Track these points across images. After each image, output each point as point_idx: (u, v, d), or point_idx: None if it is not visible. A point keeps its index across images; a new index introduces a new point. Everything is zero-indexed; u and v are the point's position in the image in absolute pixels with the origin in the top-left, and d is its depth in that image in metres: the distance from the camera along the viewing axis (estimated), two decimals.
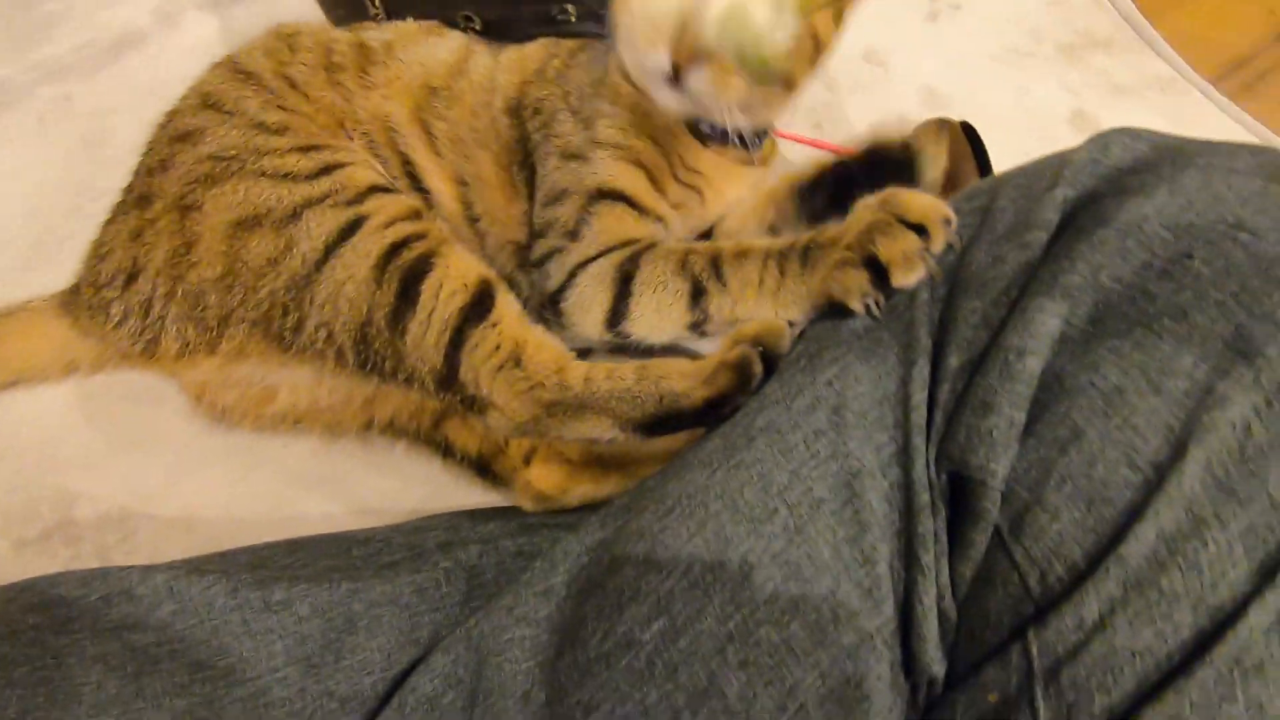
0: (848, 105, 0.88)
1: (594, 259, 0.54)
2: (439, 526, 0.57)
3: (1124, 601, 0.27)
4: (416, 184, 0.62)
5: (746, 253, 0.49)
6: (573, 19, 0.74)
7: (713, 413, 0.45)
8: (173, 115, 0.62)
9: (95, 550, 0.64)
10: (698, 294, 0.51)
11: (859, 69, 0.90)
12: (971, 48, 0.92)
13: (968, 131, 0.64)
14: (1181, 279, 0.30)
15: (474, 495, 0.65)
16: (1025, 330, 0.31)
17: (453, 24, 0.70)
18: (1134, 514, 0.28)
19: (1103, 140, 0.36)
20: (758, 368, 0.43)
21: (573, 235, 0.56)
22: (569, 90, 0.60)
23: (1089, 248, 0.31)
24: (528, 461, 0.57)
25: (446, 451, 0.62)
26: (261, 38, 0.65)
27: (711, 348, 0.50)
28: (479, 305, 0.51)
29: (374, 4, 0.76)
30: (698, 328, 0.52)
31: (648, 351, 0.55)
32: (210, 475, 0.66)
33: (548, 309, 0.56)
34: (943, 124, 0.63)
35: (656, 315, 0.52)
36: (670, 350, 0.56)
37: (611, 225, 0.55)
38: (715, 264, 0.50)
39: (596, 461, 0.56)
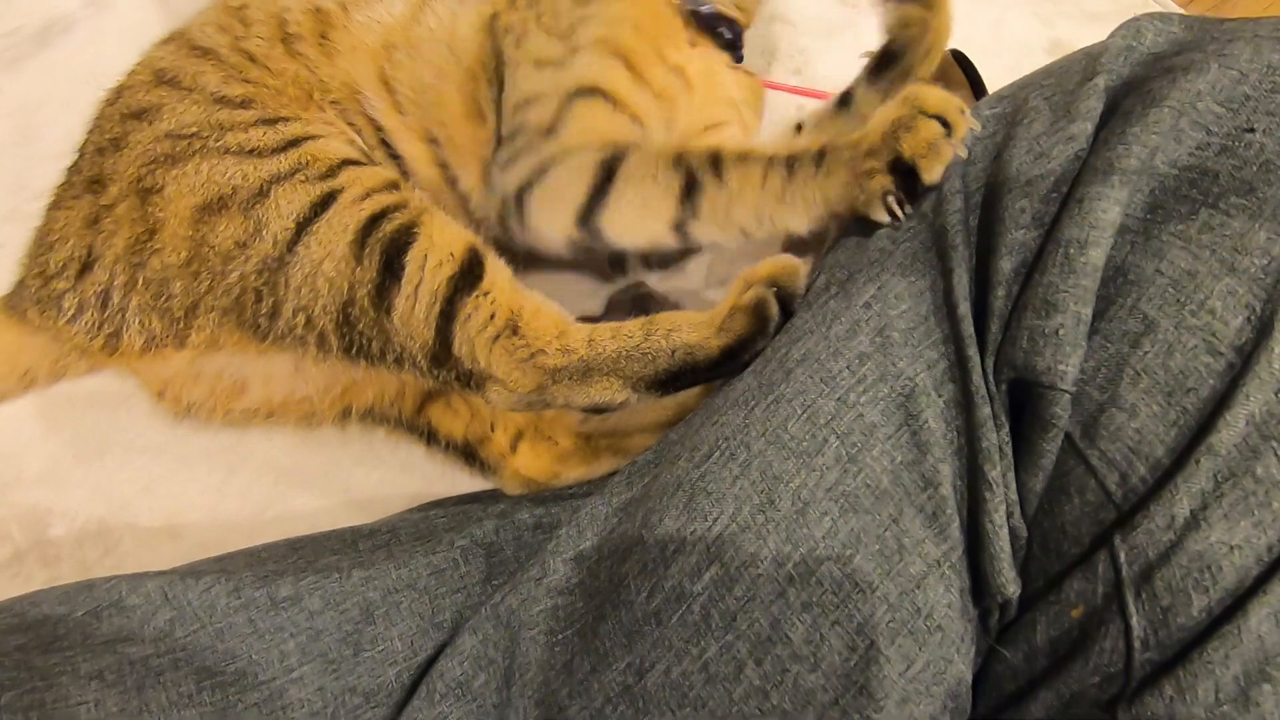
0: (824, 49, 0.86)
1: (572, 152, 0.51)
2: (448, 513, 0.54)
3: (1217, 495, 0.26)
4: (391, 151, 0.58)
5: (750, 154, 0.46)
6: None
7: (731, 362, 0.42)
8: (122, 91, 0.57)
9: (76, 569, 0.60)
10: (690, 188, 0.47)
11: (832, 11, 0.88)
12: None
13: (960, 59, 0.62)
14: (1244, 154, 0.28)
15: (473, 481, 0.62)
16: (1084, 220, 0.29)
17: None
18: (1220, 402, 0.26)
19: (1134, 26, 0.34)
20: (774, 308, 0.40)
21: (549, 132, 0.52)
22: (541, 11, 0.57)
23: (1142, 129, 0.29)
24: (514, 448, 0.54)
25: (430, 438, 0.59)
26: (209, 12, 0.60)
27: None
28: (469, 274, 0.48)
29: None
30: (681, 228, 0.48)
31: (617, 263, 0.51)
32: (191, 477, 0.62)
33: (509, 208, 0.52)
34: None
35: (639, 210, 0.48)
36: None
37: (592, 124, 0.52)
38: (714, 161, 0.47)
39: (586, 442, 0.53)
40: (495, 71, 0.57)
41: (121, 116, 0.54)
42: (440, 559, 0.45)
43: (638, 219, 0.49)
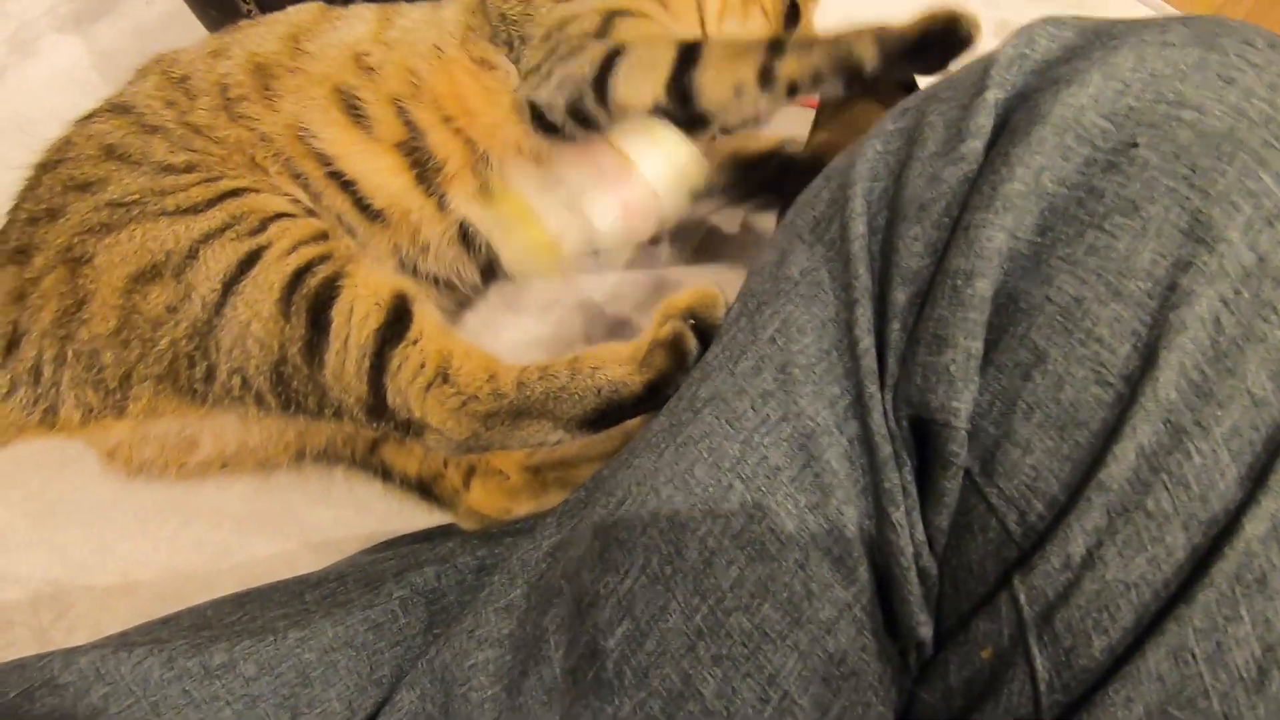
0: None
1: (640, 41, 0.51)
2: (396, 554, 0.54)
3: (1111, 531, 0.25)
4: (343, 180, 0.57)
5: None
6: None
7: (656, 396, 0.42)
8: (63, 160, 0.56)
9: (31, 633, 0.60)
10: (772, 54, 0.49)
11: None
12: None
13: None
14: (1129, 170, 0.27)
15: (431, 515, 0.61)
16: (970, 251, 0.28)
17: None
18: (1110, 434, 0.25)
19: (1027, 33, 0.33)
20: (691, 342, 0.40)
21: (599, 36, 0.52)
22: None
23: (1026, 150, 0.28)
24: (467, 484, 0.54)
25: (385, 476, 0.59)
26: (152, 83, 0.59)
27: None
28: (396, 323, 0.48)
29: (245, 2, 0.71)
30: (766, 77, 0.49)
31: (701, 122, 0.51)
32: (145, 532, 0.62)
33: (588, 95, 0.51)
34: None
35: (729, 68, 0.49)
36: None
37: (639, 31, 0.53)
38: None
39: (535, 476, 0.53)
40: (496, 29, 0.57)
41: (64, 188, 0.53)
42: (378, 612, 0.45)
43: (723, 80, 0.49)
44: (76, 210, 0.51)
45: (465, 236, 0.59)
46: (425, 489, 0.59)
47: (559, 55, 0.53)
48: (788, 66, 0.48)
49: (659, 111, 0.51)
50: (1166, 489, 0.24)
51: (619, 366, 0.44)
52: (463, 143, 0.56)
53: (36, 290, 0.50)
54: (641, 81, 0.50)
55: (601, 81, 0.50)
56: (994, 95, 0.31)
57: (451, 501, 0.58)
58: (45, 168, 0.57)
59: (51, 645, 0.61)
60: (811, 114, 0.66)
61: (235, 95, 0.55)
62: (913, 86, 0.62)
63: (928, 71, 0.51)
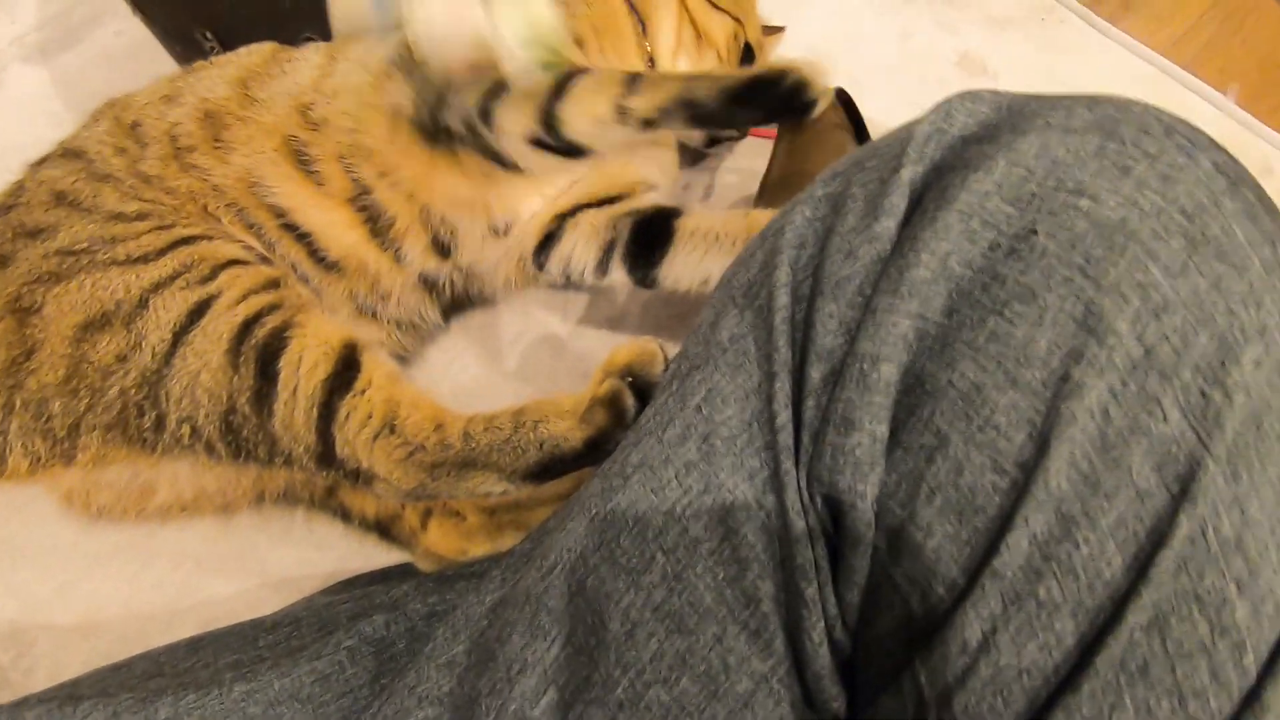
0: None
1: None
2: (352, 597, 0.54)
3: (1005, 618, 0.26)
4: (298, 233, 0.57)
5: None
6: None
7: (596, 452, 0.43)
8: (14, 205, 0.56)
9: None
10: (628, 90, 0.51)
11: None
12: None
13: (842, 99, 0.62)
14: (1028, 257, 0.28)
15: (391, 554, 0.62)
16: (877, 335, 0.29)
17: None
18: (1005, 521, 0.26)
19: (945, 108, 0.33)
20: (629, 401, 0.41)
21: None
22: None
23: (933, 235, 0.29)
24: (424, 525, 0.55)
25: (345, 517, 0.60)
26: (104, 128, 0.59)
27: None
28: (344, 373, 0.48)
29: (207, 38, 0.71)
30: (621, 112, 0.51)
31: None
32: (106, 573, 0.62)
33: (476, 121, 0.53)
34: None
35: (588, 102, 0.51)
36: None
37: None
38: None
39: (490, 518, 0.53)
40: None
41: (14, 234, 0.53)
42: (325, 663, 0.45)
43: (578, 115, 0.51)
44: (25, 258, 0.51)
45: (426, 281, 0.59)
46: (383, 529, 0.60)
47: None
48: (639, 102, 0.50)
49: (530, 138, 0.53)
50: (1056, 577, 0.25)
51: (561, 421, 0.44)
52: (404, 197, 0.56)
53: None
54: (517, 115, 0.52)
55: (485, 110, 0.52)
56: (909, 173, 0.32)
57: (409, 542, 0.59)
58: None
59: (9, 685, 0.61)
60: (769, 145, 0.67)
61: (185, 145, 0.56)
62: (858, 121, 0.63)
63: (769, 119, 0.53)
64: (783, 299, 0.34)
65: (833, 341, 0.31)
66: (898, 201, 0.31)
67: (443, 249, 0.58)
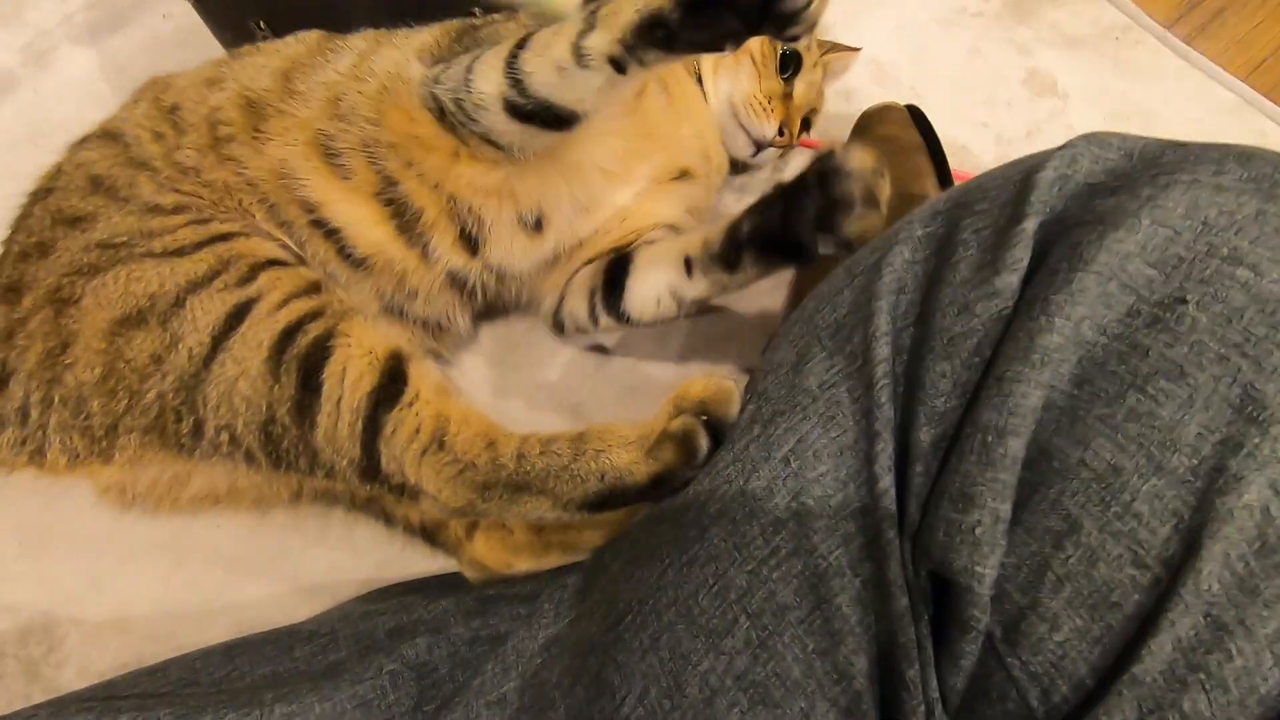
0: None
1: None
2: (389, 609, 0.53)
3: None
4: (327, 229, 0.55)
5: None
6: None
7: (660, 488, 0.41)
8: (52, 190, 0.55)
9: (21, 666, 0.59)
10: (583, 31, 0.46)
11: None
12: (915, 12, 0.87)
13: (916, 117, 0.59)
14: (1176, 329, 0.25)
15: (428, 563, 0.60)
16: (1004, 406, 0.26)
17: None
18: (1146, 622, 0.24)
19: (1070, 153, 0.31)
20: (703, 441, 0.39)
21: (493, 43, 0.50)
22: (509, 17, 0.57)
23: (1067, 299, 0.27)
24: (470, 535, 0.53)
25: (388, 520, 0.58)
26: (143, 110, 0.58)
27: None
28: (391, 385, 0.46)
29: (260, 27, 0.69)
30: (579, 54, 0.46)
31: None
32: (139, 569, 0.62)
33: (461, 91, 0.49)
34: (887, 110, 0.58)
35: (545, 52, 0.46)
36: None
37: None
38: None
39: (538, 535, 0.52)
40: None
41: (53, 221, 0.52)
42: (366, 688, 0.44)
43: (540, 67, 0.46)
44: (66, 249, 0.50)
45: (455, 281, 0.57)
46: (429, 536, 0.59)
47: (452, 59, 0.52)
48: (596, 39, 0.44)
49: (506, 102, 0.48)
50: (1204, 690, 0.23)
51: (625, 452, 0.42)
52: (429, 188, 0.54)
53: (24, 330, 0.49)
54: (489, 72, 0.48)
55: (467, 80, 0.49)
56: (1032, 224, 0.30)
57: (454, 550, 0.57)
58: (37, 196, 0.56)
59: (41, 679, 0.60)
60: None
61: (224, 135, 0.54)
62: (934, 142, 0.60)
63: (748, 29, 0.41)
64: (883, 350, 0.31)
65: (945, 404, 0.28)
66: (1020, 255, 0.29)
67: (471, 243, 0.56)
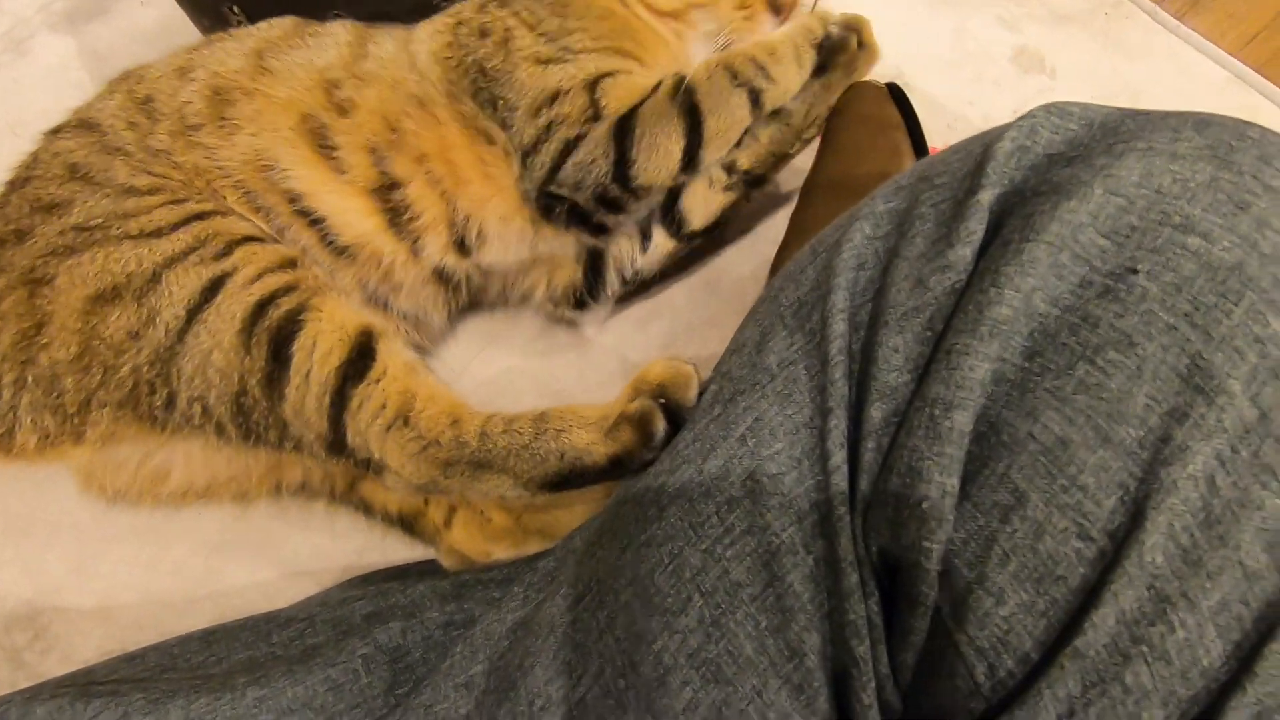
0: None
1: (634, 110, 0.51)
2: (368, 595, 0.53)
3: (1085, 702, 0.23)
4: (311, 218, 0.55)
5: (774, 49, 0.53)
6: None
7: (619, 469, 0.41)
8: (30, 179, 0.55)
9: (5, 654, 0.60)
10: (753, 96, 0.52)
11: None
12: None
13: (895, 94, 0.58)
14: (1126, 299, 0.25)
15: (410, 550, 0.60)
16: (951, 379, 0.26)
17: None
18: (1090, 595, 0.24)
19: (1029, 123, 0.30)
20: (659, 424, 0.39)
21: (594, 117, 0.52)
22: (518, 10, 0.56)
23: (1018, 270, 0.26)
24: (448, 523, 0.53)
25: (367, 511, 0.58)
26: (118, 101, 0.57)
27: None
28: (359, 360, 0.47)
29: (234, 12, 0.69)
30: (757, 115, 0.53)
31: None
32: (122, 555, 0.62)
33: (612, 188, 0.52)
34: (865, 88, 0.57)
35: (728, 120, 0.52)
36: None
37: (628, 88, 0.53)
38: (754, 60, 0.53)
39: (516, 522, 0.52)
40: (477, 85, 0.55)
41: (31, 209, 0.52)
42: (339, 671, 0.44)
43: (728, 128, 0.52)
44: (42, 234, 0.50)
45: (441, 276, 0.57)
46: (407, 525, 0.59)
47: (559, 139, 0.52)
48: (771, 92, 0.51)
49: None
50: (1146, 662, 0.23)
51: (584, 433, 0.42)
52: (444, 200, 0.54)
53: None
54: (660, 166, 0.51)
55: (621, 173, 0.51)
56: (988, 195, 0.29)
57: (433, 538, 0.58)
58: (14, 185, 0.55)
59: (25, 667, 0.61)
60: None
61: (194, 124, 0.54)
62: (912, 119, 0.59)
63: None
64: (839, 326, 0.31)
65: (897, 379, 0.28)
66: (975, 227, 0.29)
67: (464, 248, 0.56)
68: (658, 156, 0.50)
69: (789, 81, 0.54)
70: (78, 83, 0.80)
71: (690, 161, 0.51)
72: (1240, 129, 0.27)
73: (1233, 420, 0.23)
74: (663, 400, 0.40)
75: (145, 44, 0.80)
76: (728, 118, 0.52)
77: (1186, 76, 0.80)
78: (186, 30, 0.74)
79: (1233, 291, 0.24)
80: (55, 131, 0.59)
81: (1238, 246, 0.24)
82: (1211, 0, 0.87)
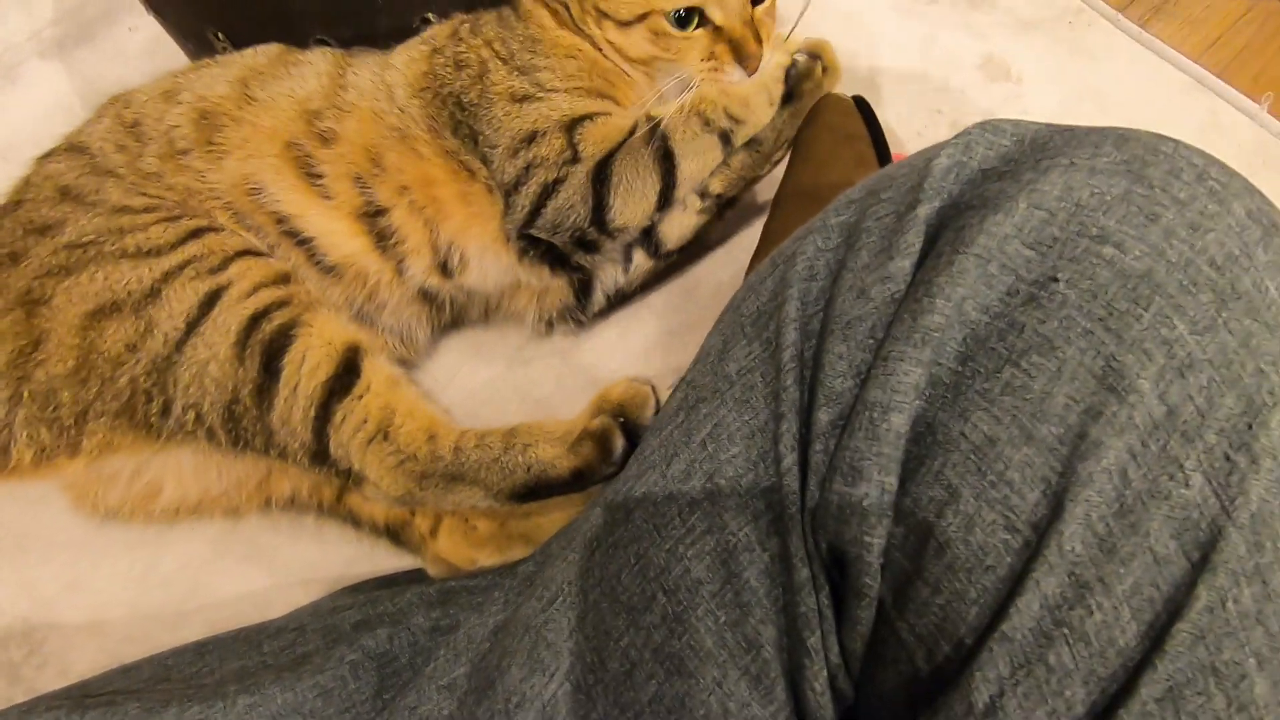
0: None
1: (611, 155, 0.53)
2: (357, 603, 0.54)
3: (1013, 682, 0.25)
4: (299, 239, 0.57)
5: (747, 100, 0.56)
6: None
7: (582, 481, 0.44)
8: (22, 202, 0.56)
9: (1, 670, 0.61)
10: (724, 138, 0.55)
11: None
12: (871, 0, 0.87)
13: (861, 107, 0.60)
14: (1048, 305, 0.27)
15: (400, 559, 0.62)
16: (887, 383, 0.28)
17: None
18: (1016, 583, 0.25)
19: (965, 140, 0.32)
20: (617, 441, 0.42)
21: (573, 159, 0.54)
22: (490, 40, 0.58)
23: (949, 280, 0.28)
24: (434, 533, 0.55)
25: (355, 523, 0.60)
26: (106, 125, 0.59)
27: None
28: (345, 376, 0.49)
29: (219, 38, 0.70)
30: (729, 152, 0.56)
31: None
32: (114, 570, 0.63)
33: (590, 231, 0.54)
34: (831, 100, 0.59)
35: (700, 163, 0.55)
36: None
37: (604, 132, 0.55)
38: (726, 110, 0.55)
39: (501, 528, 0.53)
40: (455, 119, 0.57)
41: (24, 231, 0.54)
42: (328, 677, 0.45)
43: (700, 168, 0.55)
44: (36, 255, 0.52)
45: (426, 296, 0.59)
46: (394, 535, 0.60)
47: (537, 182, 0.54)
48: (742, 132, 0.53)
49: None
50: (1068, 643, 0.24)
51: (550, 447, 0.45)
52: (427, 227, 0.56)
53: None
54: (636, 208, 0.54)
55: (600, 217, 0.53)
56: (925, 210, 0.31)
57: (418, 548, 0.59)
58: (6, 210, 0.57)
59: (22, 682, 0.62)
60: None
61: (181, 148, 0.56)
62: (877, 130, 0.61)
63: None
64: (791, 335, 0.33)
65: (842, 384, 0.30)
66: (913, 240, 0.30)
67: (447, 271, 0.58)
68: (634, 201, 0.53)
69: (760, 119, 0.56)
70: (69, 107, 0.82)
71: (665, 202, 0.54)
72: (1154, 144, 0.29)
73: (1143, 417, 0.25)
74: (622, 419, 0.42)
75: (134, 68, 0.82)
76: (700, 160, 0.54)
77: (1149, 81, 0.83)
78: (174, 54, 0.76)
79: (1143, 297, 0.26)
80: (46, 156, 0.60)
81: (1148, 255, 0.26)
82: (1173, 7, 0.90)
